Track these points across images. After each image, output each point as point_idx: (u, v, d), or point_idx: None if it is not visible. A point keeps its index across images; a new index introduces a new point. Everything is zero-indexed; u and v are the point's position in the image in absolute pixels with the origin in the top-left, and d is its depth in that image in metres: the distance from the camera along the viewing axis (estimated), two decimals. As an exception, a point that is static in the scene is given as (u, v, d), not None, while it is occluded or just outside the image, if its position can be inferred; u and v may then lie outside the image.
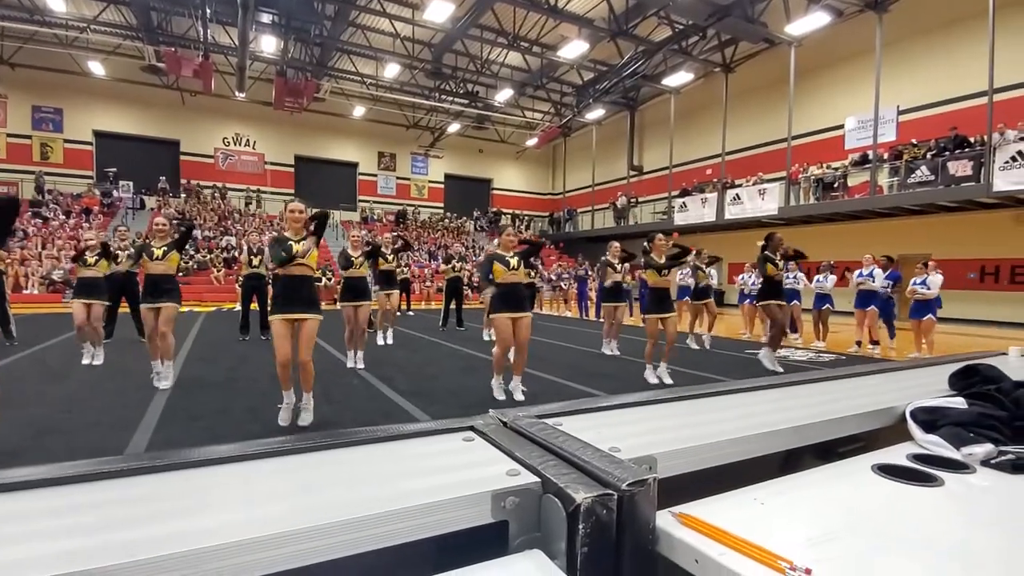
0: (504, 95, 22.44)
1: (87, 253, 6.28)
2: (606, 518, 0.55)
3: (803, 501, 0.68)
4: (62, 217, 19.20)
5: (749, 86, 19.71)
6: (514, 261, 4.92)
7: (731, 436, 0.83)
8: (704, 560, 0.55)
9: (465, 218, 28.83)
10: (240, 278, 9.78)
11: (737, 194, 18.07)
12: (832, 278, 9.37)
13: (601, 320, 9.10)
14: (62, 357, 6.46)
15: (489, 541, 0.60)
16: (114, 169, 21.77)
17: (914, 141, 14.50)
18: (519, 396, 4.93)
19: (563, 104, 24.43)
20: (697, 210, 19.70)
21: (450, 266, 10.70)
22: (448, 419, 0.84)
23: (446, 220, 28.34)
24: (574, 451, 0.67)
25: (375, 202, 27.47)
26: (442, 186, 29.88)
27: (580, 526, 0.54)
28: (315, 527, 0.54)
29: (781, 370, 6.55)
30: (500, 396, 4.91)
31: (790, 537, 0.57)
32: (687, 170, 22.24)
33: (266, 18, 17.17)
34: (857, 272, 8.77)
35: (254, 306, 8.57)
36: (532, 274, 11.50)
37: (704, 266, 8.82)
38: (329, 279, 18.34)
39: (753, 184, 17.99)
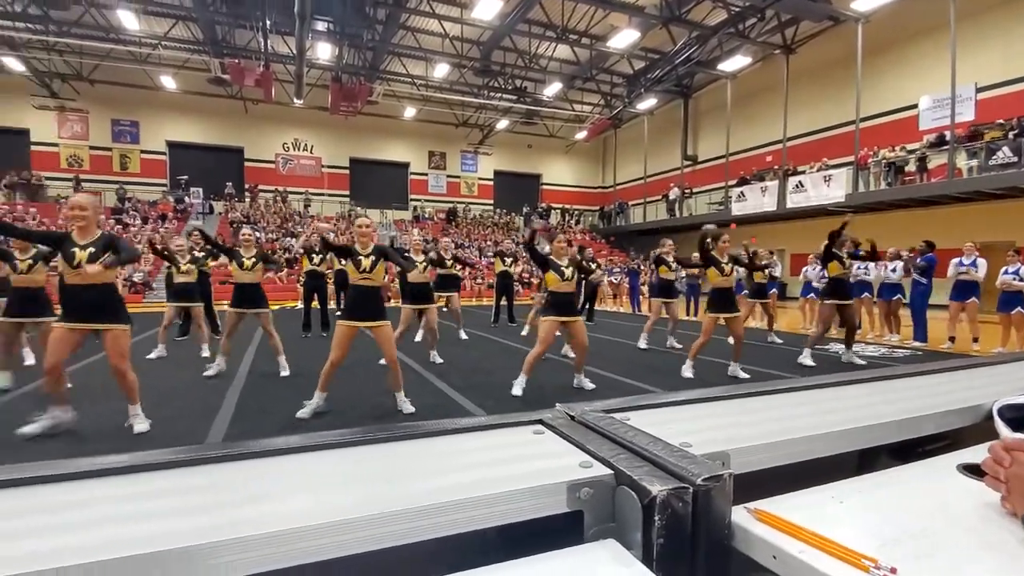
0: (553, 89, 22.32)
1: (179, 259, 6.75)
2: (682, 511, 0.56)
3: (884, 500, 0.66)
4: (140, 223, 20.68)
5: (812, 67, 18.72)
6: (568, 272, 4.97)
7: (807, 433, 0.81)
8: (783, 556, 0.55)
9: (514, 214, 28.93)
10: (301, 278, 10.23)
11: (800, 181, 17.20)
12: (899, 267, 8.76)
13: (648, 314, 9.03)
14: (145, 352, 6.97)
15: (564, 530, 0.62)
16: (185, 176, 23.23)
17: (1000, 121, 13.33)
18: (589, 386, 5.21)
19: (613, 95, 24.03)
20: (756, 199, 18.91)
21: (500, 261, 10.78)
22: (516, 413, 0.87)
23: (495, 216, 28.54)
24: (645, 445, 0.68)
25: (426, 201, 28.02)
26: (491, 183, 30.09)
27: (656, 518, 0.55)
28: (383, 514, 0.57)
29: (813, 364, 6.56)
30: (517, 392, 4.96)
31: (872, 536, 0.56)
32: (745, 158, 21.40)
33: (321, 26, 17.80)
34: (956, 261, 8.03)
35: (315, 304, 8.95)
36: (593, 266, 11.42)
37: (760, 265, 8.48)
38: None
39: (817, 170, 17.08)
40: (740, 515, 0.60)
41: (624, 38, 17.75)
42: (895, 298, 8.80)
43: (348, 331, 4.14)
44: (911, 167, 14.86)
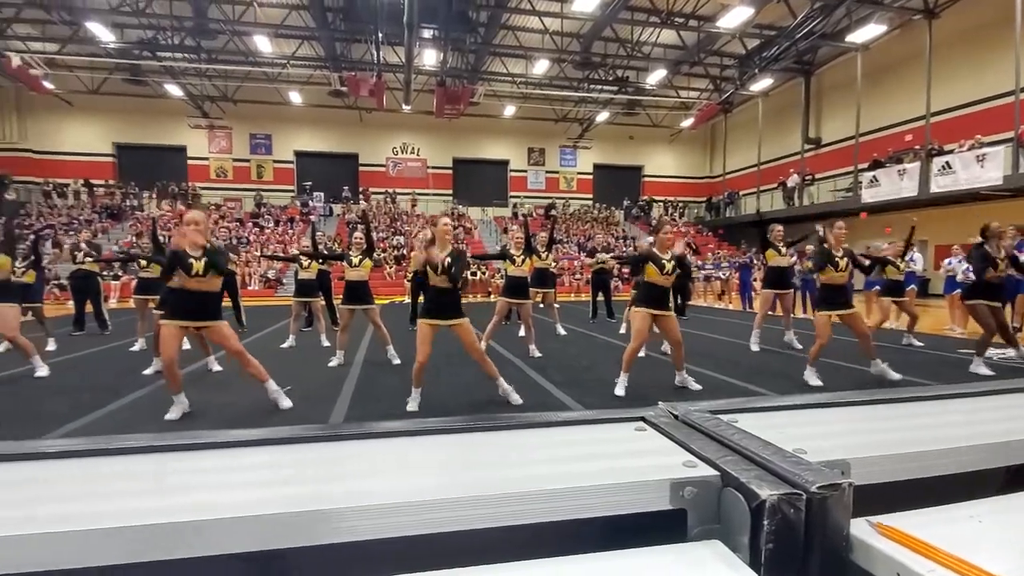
0: (656, 76, 21.50)
1: (303, 258, 7.51)
2: (794, 518, 0.54)
3: (1039, 526, 0.58)
4: (272, 225, 23.12)
5: (959, 32, 16.31)
6: (669, 265, 4.78)
7: (941, 446, 0.74)
8: (909, 575, 0.51)
9: (614, 208, 28.37)
10: (409, 274, 10.87)
11: (947, 162, 15.02)
12: None
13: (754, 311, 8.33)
14: (279, 341, 7.80)
15: (666, 527, 0.62)
16: (310, 182, 25.62)
17: None
18: (694, 386, 4.99)
19: (723, 78, 22.65)
20: (893, 184, 16.81)
21: (595, 259, 10.65)
22: (617, 409, 0.88)
23: (595, 211, 28.18)
24: (754, 448, 0.66)
25: (525, 197, 28.36)
26: (591, 177, 29.75)
27: (764, 522, 0.54)
28: (488, 496, 0.61)
29: (991, 373, 5.57)
30: (620, 392, 4.83)
31: (1016, 562, 0.51)
32: (878, 138, 19.19)
33: (427, 33, 18.65)
34: None
35: (421, 300, 9.44)
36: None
37: (894, 260, 7.50)
38: (484, 271, 19.44)
39: (969, 149, 14.82)
40: (860, 528, 0.57)
41: (736, 16, 16.64)
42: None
43: (429, 330, 4.33)
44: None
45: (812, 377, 5.29)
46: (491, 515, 0.60)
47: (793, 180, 21.79)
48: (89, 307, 9.06)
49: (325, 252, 7.34)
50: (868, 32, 17.35)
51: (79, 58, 19.58)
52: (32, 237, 8.39)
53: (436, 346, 4.45)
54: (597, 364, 6.31)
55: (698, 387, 5.03)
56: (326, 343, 7.55)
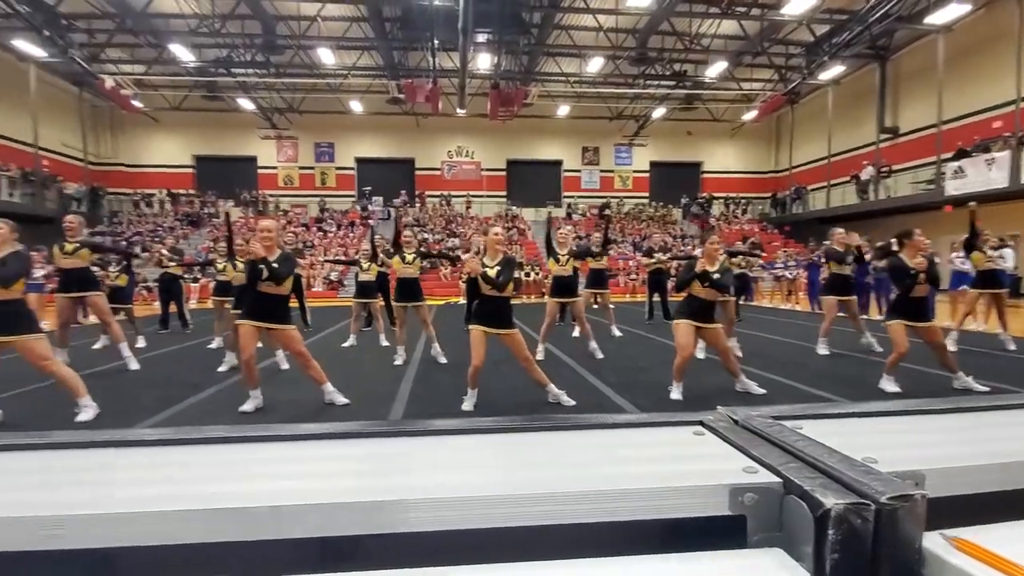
0: (716, 69, 20.67)
1: (363, 261, 7.83)
2: (861, 528, 0.52)
3: None
4: (335, 229, 24.10)
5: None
6: (716, 277, 4.66)
7: (1031, 459, 0.69)
8: (992, 595, 0.48)
9: (671, 206, 27.64)
10: (464, 275, 11.04)
11: (1043, 149, 13.69)
12: None
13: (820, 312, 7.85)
14: (340, 340, 8.13)
15: (724, 532, 0.62)
16: (369, 187, 26.53)
17: None
18: (757, 391, 4.82)
19: (788, 68, 21.59)
20: (980, 175, 15.47)
21: (653, 259, 10.42)
22: (675, 412, 0.87)
23: (651, 209, 27.57)
24: (819, 456, 0.64)
25: (579, 197, 28.13)
26: (647, 175, 29.13)
27: (829, 532, 0.52)
28: (546, 494, 0.62)
29: None
30: (676, 396, 4.71)
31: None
32: (962, 126, 17.71)
33: (481, 38, 18.89)
34: None
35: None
36: (744, 264, 10.54)
37: (985, 249, 6.89)
38: (537, 273, 19.43)
39: (1071, 133, 13.42)
40: (934, 542, 0.54)
41: (802, 2, 15.83)
42: None
43: (482, 335, 4.42)
44: None
45: (889, 384, 4.95)
46: (549, 512, 0.62)
47: (867, 172, 20.46)
48: (173, 307, 9.80)
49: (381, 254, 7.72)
50: (950, 12, 16.05)
51: (163, 77, 21.21)
52: (124, 244, 9.19)
53: (490, 350, 4.51)
54: (653, 366, 6.18)
55: (761, 391, 4.84)
56: (384, 343, 7.80)
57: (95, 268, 6.90)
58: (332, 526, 0.59)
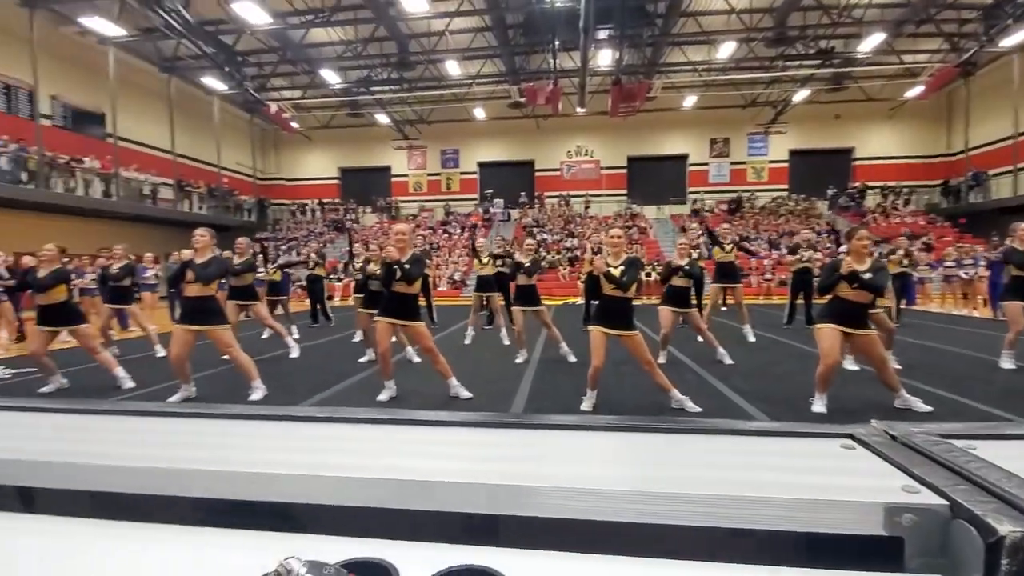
0: (872, 42, 18.04)
1: (481, 255, 8.22)
2: (1043, 560, 0.46)
3: None
4: (459, 231, 25.35)
5: None
6: (867, 277, 4.08)
7: None
8: None
9: (815, 198, 25.02)
10: (582, 275, 11.03)
11: None
12: None
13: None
14: (463, 337, 8.54)
15: (875, 553, 0.57)
16: (491, 190, 27.50)
17: None
18: (922, 408, 4.24)
19: (962, 35, 18.51)
20: None
21: (797, 257, 9.51)
22: (820, 423, 0.82)
23: (790, 203, 25.20)
24: (995, 479, 0.56)
25: (706, 192, 26.62)
26: (786, 165, 26.69)
27: (1003, 561, 0.47)
28: (673, 493, 0.62)
29: None
30: (819, 409, 4.26)
31: None
32: None
33: (602, 34, 18.67)
34: None
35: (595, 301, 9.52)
36: (905, 262, 9.28)
37: None
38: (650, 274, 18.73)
39: None
40: None
41: (981, -44, 13.49)
42: None
43: (602, 336, 4.37)
44: None
45: None
46: (681, 513, 0.62)
47: (1075, 151, 16.84)
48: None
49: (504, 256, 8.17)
50: None
51: (315, 100, 23.94)
52: (284, 249, 10.62)
53: (610, 351, 4.47)
54: (792, 374, 5.68)
55: (926, 408, 4.22)
56: (506, 341, 8.06)
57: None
58: (475, 504, 0.65)
